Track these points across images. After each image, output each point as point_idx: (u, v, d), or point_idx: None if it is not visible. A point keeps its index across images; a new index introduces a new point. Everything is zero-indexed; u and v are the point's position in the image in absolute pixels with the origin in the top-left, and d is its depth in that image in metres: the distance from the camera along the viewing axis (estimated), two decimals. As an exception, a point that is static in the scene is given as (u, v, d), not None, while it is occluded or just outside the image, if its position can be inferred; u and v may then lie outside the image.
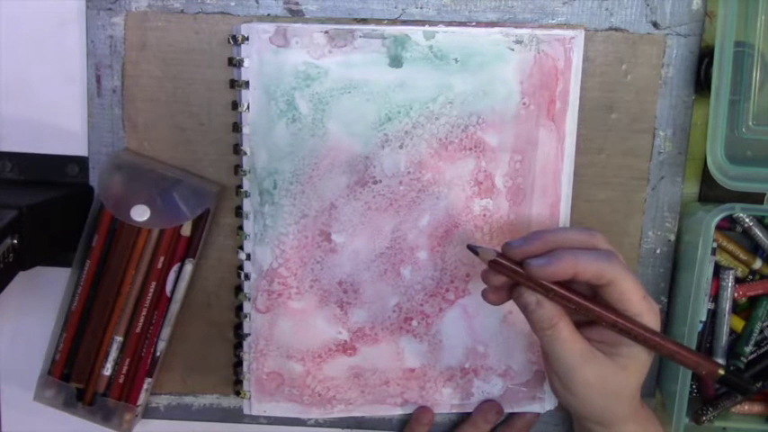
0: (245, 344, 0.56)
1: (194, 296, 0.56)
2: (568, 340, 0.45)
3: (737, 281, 0.55)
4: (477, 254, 0.47)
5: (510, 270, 0.46)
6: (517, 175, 0.54)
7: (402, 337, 0.56)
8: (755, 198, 0.52)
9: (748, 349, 0.55)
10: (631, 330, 0.44)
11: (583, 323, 0.47)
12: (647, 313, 0.45)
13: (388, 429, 0.59)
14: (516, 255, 0.46)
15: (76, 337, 0.55)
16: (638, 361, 0.46)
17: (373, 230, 0.55)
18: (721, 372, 0.45)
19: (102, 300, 0.54)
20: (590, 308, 0.45)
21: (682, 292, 0.55)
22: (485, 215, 0.54)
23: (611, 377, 0.45)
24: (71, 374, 0.55)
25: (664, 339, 0.45)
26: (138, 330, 0.55)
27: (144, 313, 0.54)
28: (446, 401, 0.58)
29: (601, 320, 0.45)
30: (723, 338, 0.55)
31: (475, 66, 0.52)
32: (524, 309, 0.46)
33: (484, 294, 0.48)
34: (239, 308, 0.56)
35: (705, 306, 0.54)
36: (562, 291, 0.45)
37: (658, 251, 0.56)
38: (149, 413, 0.59)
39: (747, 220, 0.54)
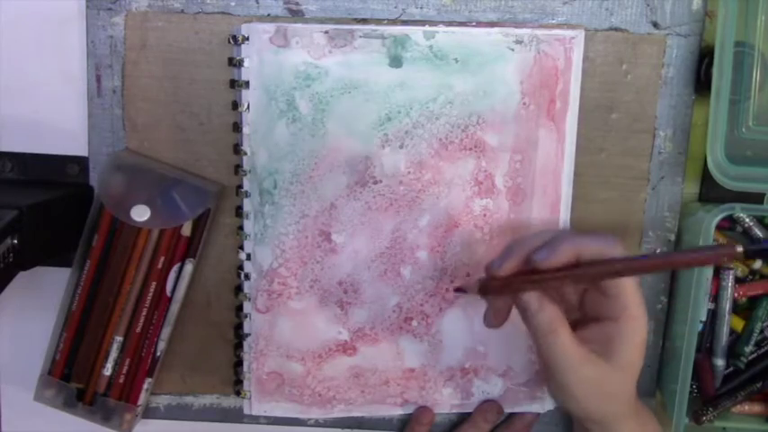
0: (245, 344, 0.56)
1: (194, 296, 0.56)
2: (567, 345, 0.45)
3: (737, 281, 0.55)
4: (465, 292, 0.48)
5: (503, 284, 0.46)
6: (517, 175, 0.54)
7: (402, 337, 0.56)
8: (755, 198, 0.52)
9: (748, 349, 0.55)
10: (647, 265, 0.44)
11: (575, 325, 0.47)
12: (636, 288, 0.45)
13: (388, 429, 0.59)
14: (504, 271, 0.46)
15: (76, 337, 0.55)
16: (631, 358, 0.46)
17: (373, 230, 0.55)
18: (740, 249, 0.43)
19: (102, 300, 0.54)
20: (592, 272, 0.44)
21: (682, 292, 0.55)
22: (485, 215, 0.54)
23: (606, 377, 0.45)
24: (71, 374, 0.55)
25: (676, 253, 0.44)
26: (138, 330, 0.55)
27: (144, 313, 0.54)
28: (446, 401, 0.58)
29: (611, 275, 0.44)
30: (723, 338, 0.55)
31: (475, 66, 0.52)
32: (525, 312, 0.45)
33: (486, 319, 0.49)
34: (239, 308, 0.56)
35: (705, 306, 0.54)
36: (563, 272, 0.44)
37: (658, 251, 0.56)
38: (149, 413, 0.59)
39: (747, 220, 0.54)
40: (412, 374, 0.57)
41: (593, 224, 0.55)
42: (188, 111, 0.54)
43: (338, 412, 0.58)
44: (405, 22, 0.53)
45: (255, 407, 0.57)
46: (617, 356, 0.45)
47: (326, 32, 0.52)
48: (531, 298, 0.45)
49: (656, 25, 0.53)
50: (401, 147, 0.53)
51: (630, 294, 0.45)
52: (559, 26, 0.53)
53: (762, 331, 0.55)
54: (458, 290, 0.50)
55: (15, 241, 0.48)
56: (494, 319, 0.48)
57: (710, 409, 0.55)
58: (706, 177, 0.55)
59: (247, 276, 0.55)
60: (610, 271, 0.44)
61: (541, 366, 0.50)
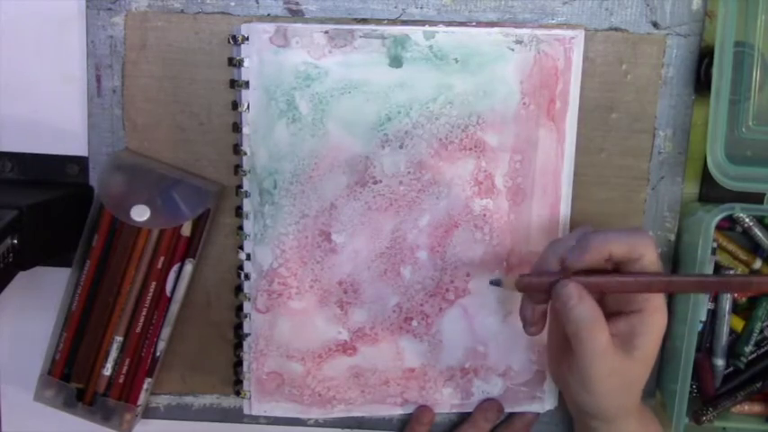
0: (245, 344, 0.56)
1: (194, 296, 0.56)
2: (605, 339, 0.45)
3: (737, 281, 0.55)
4: (499, 285, 0.49)
5: (540, 282, 0.47)
6: (517, 175, 0.54)
7: (402, 337, 0.56)
8: (755, 198, 0.52)
9: (748, 349, 0.55)
10: (700, 284, 0.45)
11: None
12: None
13: (388, 429, 0.59)
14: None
15: (76, 337, 0.55)
16: (650, 350, 0.46)
17: (373, 230, 0.55)
18: None
19: (102, 300, 0.54)
20: (643, 282, 0.45)
21: (682, 292, 0.55)
22: (485, 215, 0.54)
23: (627, 370, 0.46)
24: (71, 374, 0.55)
25: (722, 276, 0.46)
26: (138, 330, 0.55)
27: (144, 313, 0.54)
28: (446, 401, 0.58)
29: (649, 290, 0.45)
30: (723, 338, 0.55)
31: (475, 66, 0.52)
32: (564, 305, 0.45)
33: (526, 329, 0.50)
34: (239, 308, 0.56)
35: (705, 306, 0.54)
36: (604, 277, 0.45)
37: (658, 251, 0.56)
38: (149, 413, 0.59)
39: (747, 220, 0.54)
40: (412, 374, 0.57)
41: (594, 224, 0.55)
42: (188, 111, 0.54)
43: (338, 412, 0.58)
44: (405, 22, 0.53)
45: (255, 407, 0.57)
46: (637, 349, 0.46)
47: (326, 32, 0.52)
48: (572, 291, 0.45)
49: (655, 25, 0.53)
50: (401, 147, 0.53)
51: None
52: (559, 26, 0.53)
53: (762, 331, 0.55)
54: (493, 282, 0.49)
55: (15, 241, 0.48)
56: (535, 329, 0.50)
57: (710, 409, 0.55)
58: (706, 177, 0.55)
59: (247, 276, 0.55)
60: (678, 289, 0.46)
61: (553, 354, 0.50)
